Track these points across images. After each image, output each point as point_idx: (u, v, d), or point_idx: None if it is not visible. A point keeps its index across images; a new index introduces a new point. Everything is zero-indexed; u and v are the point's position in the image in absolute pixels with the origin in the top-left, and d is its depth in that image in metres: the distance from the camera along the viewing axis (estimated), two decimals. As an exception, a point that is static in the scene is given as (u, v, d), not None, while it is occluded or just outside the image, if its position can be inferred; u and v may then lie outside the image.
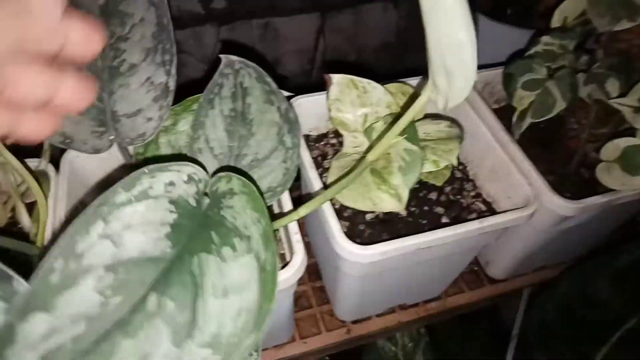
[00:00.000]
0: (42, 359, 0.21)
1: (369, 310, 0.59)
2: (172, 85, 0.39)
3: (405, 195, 0.39)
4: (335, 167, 0.44)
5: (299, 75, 0.79)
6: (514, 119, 0.46)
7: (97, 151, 0.38)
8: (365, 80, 0.43)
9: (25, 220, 0.41)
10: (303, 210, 0.35)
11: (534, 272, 0.65)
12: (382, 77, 0.46)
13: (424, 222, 0.48)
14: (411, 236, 0.41)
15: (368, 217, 0.48)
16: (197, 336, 0.22)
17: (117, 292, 0.23)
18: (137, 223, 0.24)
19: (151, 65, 0.39)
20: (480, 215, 0.50)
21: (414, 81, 0.51)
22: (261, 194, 0.29)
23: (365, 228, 0.47)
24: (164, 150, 0.40)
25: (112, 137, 0.39)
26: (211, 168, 0.37)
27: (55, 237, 0.40)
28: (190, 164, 0.30)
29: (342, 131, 0.44)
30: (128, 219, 0.24)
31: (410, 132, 0.39)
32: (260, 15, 0.81)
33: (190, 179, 0.29)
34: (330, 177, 0.43)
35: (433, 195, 0.53)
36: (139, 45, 0.39)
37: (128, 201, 0.25)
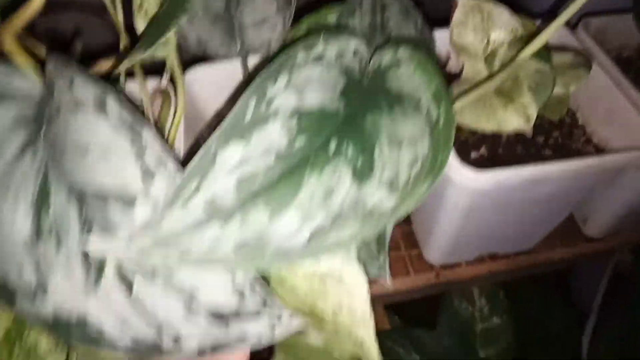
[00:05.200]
0: (238, 182, 0.23)
1: (460, 255, 0.59)
2: (292, -3, 0.40)
3: (533, 114, 0.39)
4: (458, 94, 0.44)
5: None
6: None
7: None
8: (491, 4, 0.43)
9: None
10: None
11: (629, 234, 0.62)
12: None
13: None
14: (531, 166, 0.41)
15: (473, 155, 0.48)
16: (376, 177, 0.24)
17: (301, 135, 0.24)
18: (316, 79, 0.26)
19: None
20: (593, 159, 0.49)
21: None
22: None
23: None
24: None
25: (238, 48, 0.42)
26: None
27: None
28: (356, 38, 0.30)
29: (462, 57, 0.44)
30: (309, 73, 0.26)
31: (541, 54, 0.39)
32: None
33: (355, 53, 0.30)
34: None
35: (540, 139, 0.52)
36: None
37: (305, 62, 0.26)
